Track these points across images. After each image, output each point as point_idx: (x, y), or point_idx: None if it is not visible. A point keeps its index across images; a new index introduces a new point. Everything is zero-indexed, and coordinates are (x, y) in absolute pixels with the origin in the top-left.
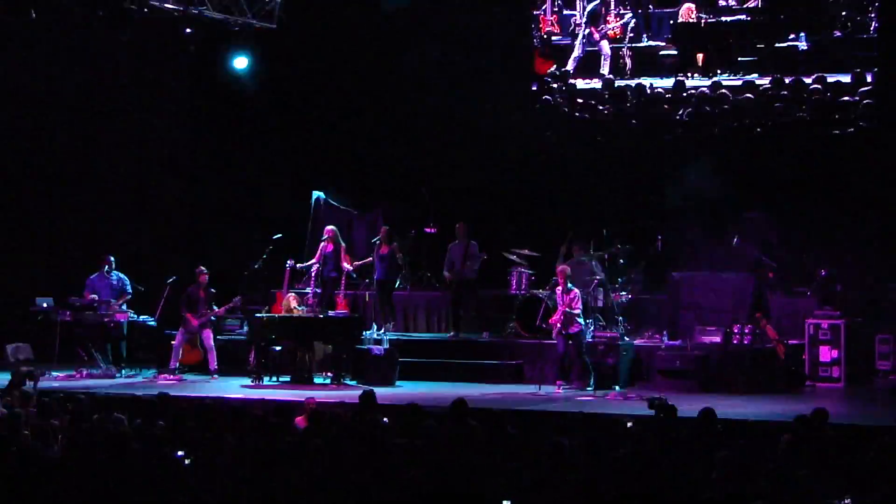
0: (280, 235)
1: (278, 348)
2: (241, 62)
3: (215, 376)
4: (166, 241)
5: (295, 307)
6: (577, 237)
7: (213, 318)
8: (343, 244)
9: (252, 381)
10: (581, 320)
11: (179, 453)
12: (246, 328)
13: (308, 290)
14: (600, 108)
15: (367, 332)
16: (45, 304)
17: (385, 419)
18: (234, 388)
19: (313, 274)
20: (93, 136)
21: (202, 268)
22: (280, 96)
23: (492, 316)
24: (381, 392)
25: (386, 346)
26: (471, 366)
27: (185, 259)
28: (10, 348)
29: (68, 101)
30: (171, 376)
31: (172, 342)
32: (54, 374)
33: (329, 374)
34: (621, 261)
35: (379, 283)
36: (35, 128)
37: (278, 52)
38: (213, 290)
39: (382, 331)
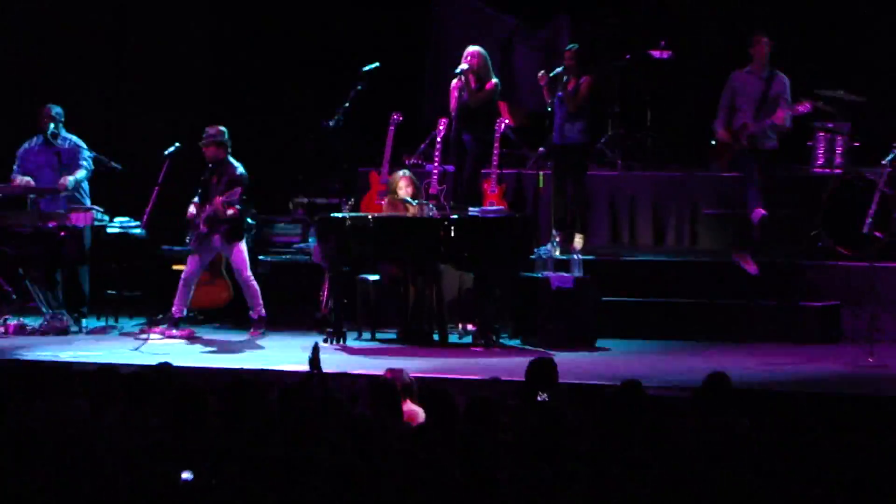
0: (377, 65)
1: (374, 278)
2: None
3: (258, 329)
4: (174, 84)
5: (406, 199)
6: None
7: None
8: (496, 80)
9: (325, 340)
10: None
11: (185, 475)
12: (312, 241)
13: (431, 166)
14: None
15: (542, 248)
16: None
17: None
18: (292, 351)
19: (439, 136)
20: None
21: (210, 130)
22: None
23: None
24: (566, 359)
25: (577, 272)
26: (737, 311)
27: (203, 117)
28: None
29: None
30: (176, 330)
31: (179, 267)
32: None
33: (470, 325)
34: None
35: (560, 151)
36: None
37: None
38: (239, 172)
39: (570, 245)
